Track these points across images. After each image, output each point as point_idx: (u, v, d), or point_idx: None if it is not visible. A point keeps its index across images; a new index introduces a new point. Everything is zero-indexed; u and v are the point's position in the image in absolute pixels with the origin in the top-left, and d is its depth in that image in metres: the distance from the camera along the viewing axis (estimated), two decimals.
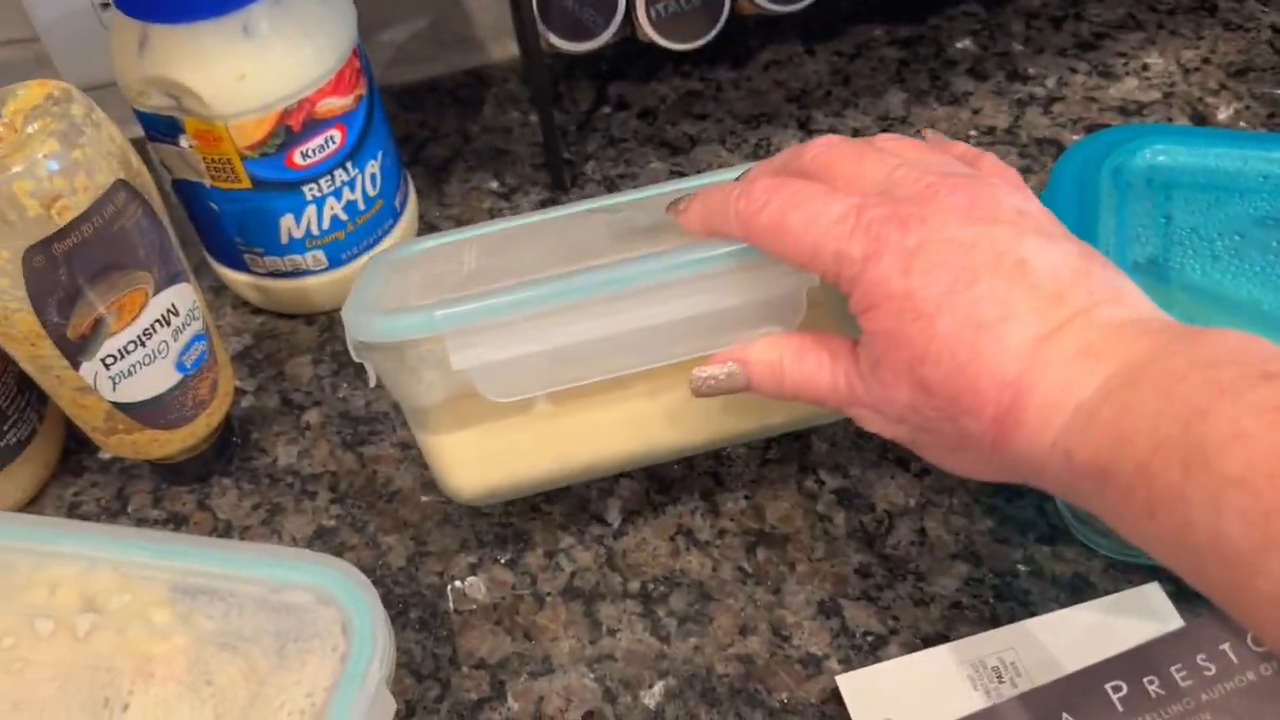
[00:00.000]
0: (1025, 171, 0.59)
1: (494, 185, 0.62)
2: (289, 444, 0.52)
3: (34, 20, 0.61)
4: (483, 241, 0.46)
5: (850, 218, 0.36)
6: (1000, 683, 0.40)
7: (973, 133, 0.61)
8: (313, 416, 0.53)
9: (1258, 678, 0.37)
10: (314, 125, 0.49)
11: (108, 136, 0.41)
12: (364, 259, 0.55)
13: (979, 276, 0.34)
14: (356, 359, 0.41)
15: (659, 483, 0.49)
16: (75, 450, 0.53)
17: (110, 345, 0.43)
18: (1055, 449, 0.33)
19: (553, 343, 0.39)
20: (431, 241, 0.47)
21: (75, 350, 0.42)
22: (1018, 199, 0.36)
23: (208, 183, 0.51)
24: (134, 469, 0.52)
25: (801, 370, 0.39)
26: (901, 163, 0.37)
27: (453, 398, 0.40)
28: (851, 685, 0.41)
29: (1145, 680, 0.38)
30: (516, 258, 0.44)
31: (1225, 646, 0.38)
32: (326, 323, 0.57)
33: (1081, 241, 0.36)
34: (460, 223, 0.61)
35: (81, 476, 0.52)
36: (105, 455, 0.52)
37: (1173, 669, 0.38)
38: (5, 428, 0.48)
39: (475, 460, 0.43)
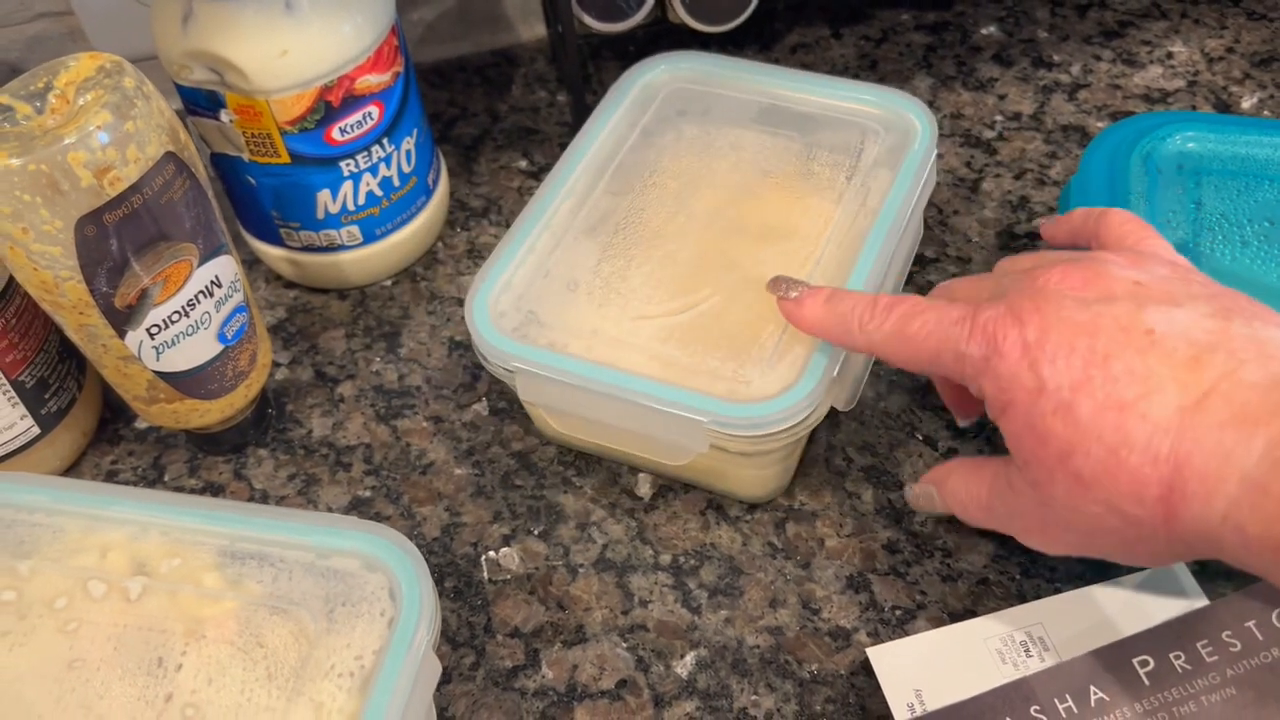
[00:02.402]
0: (1050, 157, 0.60)
1: (523, 164, 0.63)
2: (323, 416, 0.53)
3: None
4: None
5: (967, 321, 0.36)
6: (1028, 656, 0.41)
7: (998, 118, 0.62)
8: (346, 389, 0.54)
9: None
10: (353, 101, 0.50)
11: (158, 109, 0.42)
12: (397, 235, 0.56)
13: (1111, 354, 0.33)
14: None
15: None
16: (111, 420, 0.54)
17: (155, 315, 0.44)
18: (1227, 523, 0.32)
19: None
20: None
21: (122, 319, 0.43)
22: (1132, 271, 0.36)
23: (246, 157, 0.51)
24: (170, 438, 0.52)
25: (968, 492, 0.40)
26: (1011, 269, 0.38)
27: None
28: (882, 657, 0.41)
29: (1172, 655, 0.38)
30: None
31: (1251, 624, 0.39)
32: (359, 297, 0.57)
33: (1215, 294, 0.35)
34: (490, 201, 0.61)
35: (118, 445, 0.53)
36: (141, 424, 0.53)
37: (1199, 644, 0.39)
38: (47, 396, 0.49)
39: (794, 463, 0.48)
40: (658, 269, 0.47)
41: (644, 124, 0.52)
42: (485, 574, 0.47)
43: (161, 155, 0.41)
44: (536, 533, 0.48)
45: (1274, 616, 0.39)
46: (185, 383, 0.46)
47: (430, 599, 0.36)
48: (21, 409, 0.48)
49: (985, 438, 0.49)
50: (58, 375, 0.49)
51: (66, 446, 0.51)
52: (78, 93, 0.40)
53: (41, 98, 0.40)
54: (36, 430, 0.49)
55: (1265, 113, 0.60)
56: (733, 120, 0.52)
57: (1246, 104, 0.61)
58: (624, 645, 0.44)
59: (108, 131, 0.39)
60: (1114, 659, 0.39)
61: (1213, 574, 0.43)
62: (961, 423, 0.48)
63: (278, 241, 0.55)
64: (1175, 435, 0.32)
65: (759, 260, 0.46)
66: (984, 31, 0.67)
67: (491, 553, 0.47)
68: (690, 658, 0.43)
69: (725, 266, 0.47)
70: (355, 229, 0.54)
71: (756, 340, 0.44)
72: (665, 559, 0.46)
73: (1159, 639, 0.39)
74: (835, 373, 0.42)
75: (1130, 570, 0.43)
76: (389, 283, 0.58)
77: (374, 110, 0.51)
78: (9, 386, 0.47)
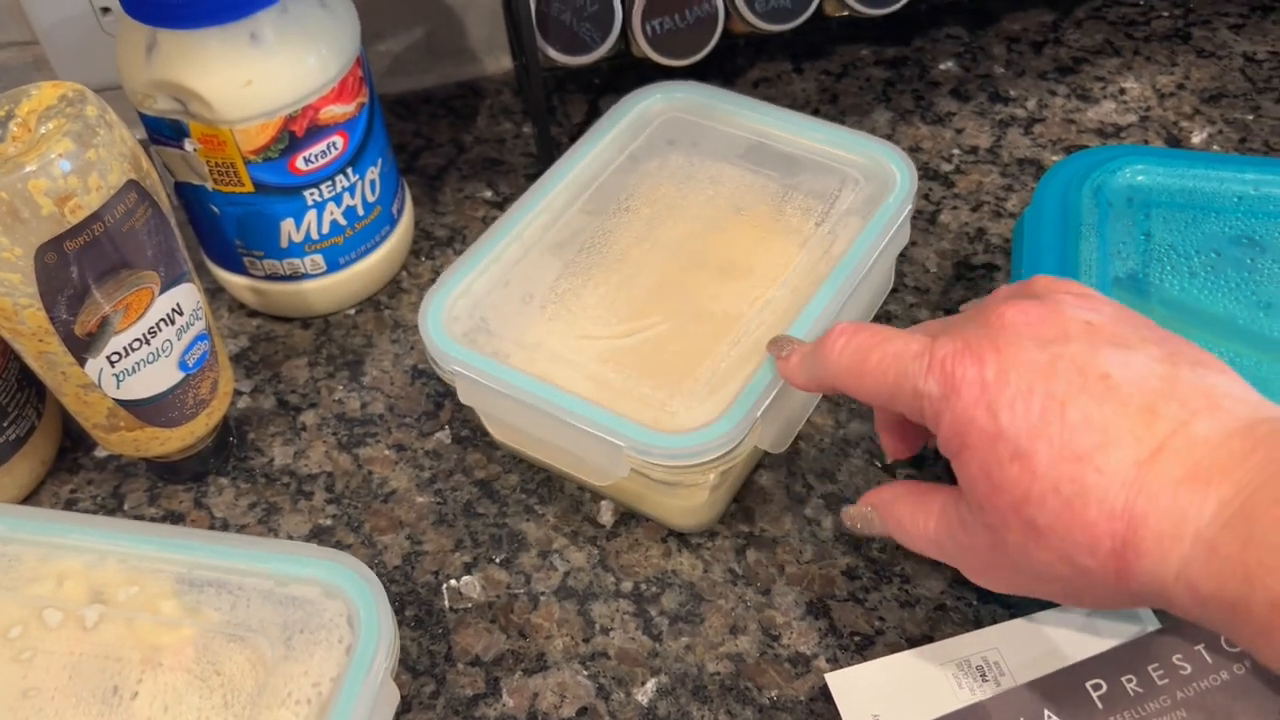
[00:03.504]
0: (1007, 190, 0.61)
1: (488, 194, 0.63)
2: (285, 444, 0.53)
3: (34, 23, 0.62)
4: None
5: (924, 355, 0.36)
6: (984, 681, 0.41)
7: (956, 151, 0.63)
8: (308, 418, 0.54)
9: (1231, 676, 0.38)
10: (317, 131, 0.50)
11: (120, 138, 0.42)
12: (361, 264, 0.56)
13: (1067, 400, 0.33)
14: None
15: None
16: (70, 448, 0.53)
17: (116, 343, 0.44)
18: (1179, 581, 0.32)
19: None
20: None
21: (82, 347, 0.43)
22: (1084, 310, 0.36)
23: (210, 186, 0.51)
24: (130, 467, 0.52)
25: (914, 521, 0.40)
26: (972, 303, 0.38)
27: None
28: (840, 683, 0.42)
29: (1124, 679, 0.39)
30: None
31: (1200, 647, 0.39)
32: (322, 325, 0.57)
33: (1162, 338, 0.35)
34: (454, 231, 0.62)
35: (77, 474, 0.52)
36: (101, 453, 0.53)
37: (1150, 668, 0.39)
38: (5, 424, 0.48)
39: (724, 495, 0.48)
40: (613, 291, 0.48)
41: (633, 149, 0.53)
42: (446, 602, 0.47)
43: (123, 184, 0.41)
44: (498, 561, 0.48)
45: (1222, 640, 0.39)
46: (146, 411, 0.46)
47: (389, 626, 0.36)
48: None
49: (944, 465, 0.49)
50: (16, 403, 0.49)
51: (25, 475, 0.50)
52: (39, 121, 0.41)
53: (3, 126, 0.41)
54: None
55: (1215, 147, 0.62)
56: (718, 154, 0.53)
57: (1197, 139, 0.62)
58: (585, 673, 0.44)
59: (69, 159, 0.39)
60: (1068, 683, 0.39)
61: None
62: (890, 459, 0.46)
63: (241, 270, 0.55)
64: (1131, 490, 0.32)
65: (713, 295, 0.47)
66: (942, 67, 0.68)
67: (453, 581, 0.47)
68: (651, 685, 0.44)
69: (678, 297, 0.47)
70: (319, 258, 0.54)
71: (692, 373, 0.44)
72: (627, 586, 0.47)
73: (1111, 663, 0.40)
74: (759, 414, 0.43)
75: None
76: (352, 311, 0.58)
77: (338, 140, 0.51)
78: None
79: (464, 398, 0.47)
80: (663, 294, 0.47)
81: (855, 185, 0.50)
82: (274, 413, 0.54)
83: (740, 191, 0.51)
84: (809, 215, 0.50)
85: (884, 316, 0.55)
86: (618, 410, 0.43)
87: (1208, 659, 0.39)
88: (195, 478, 0.51)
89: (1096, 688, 0.39)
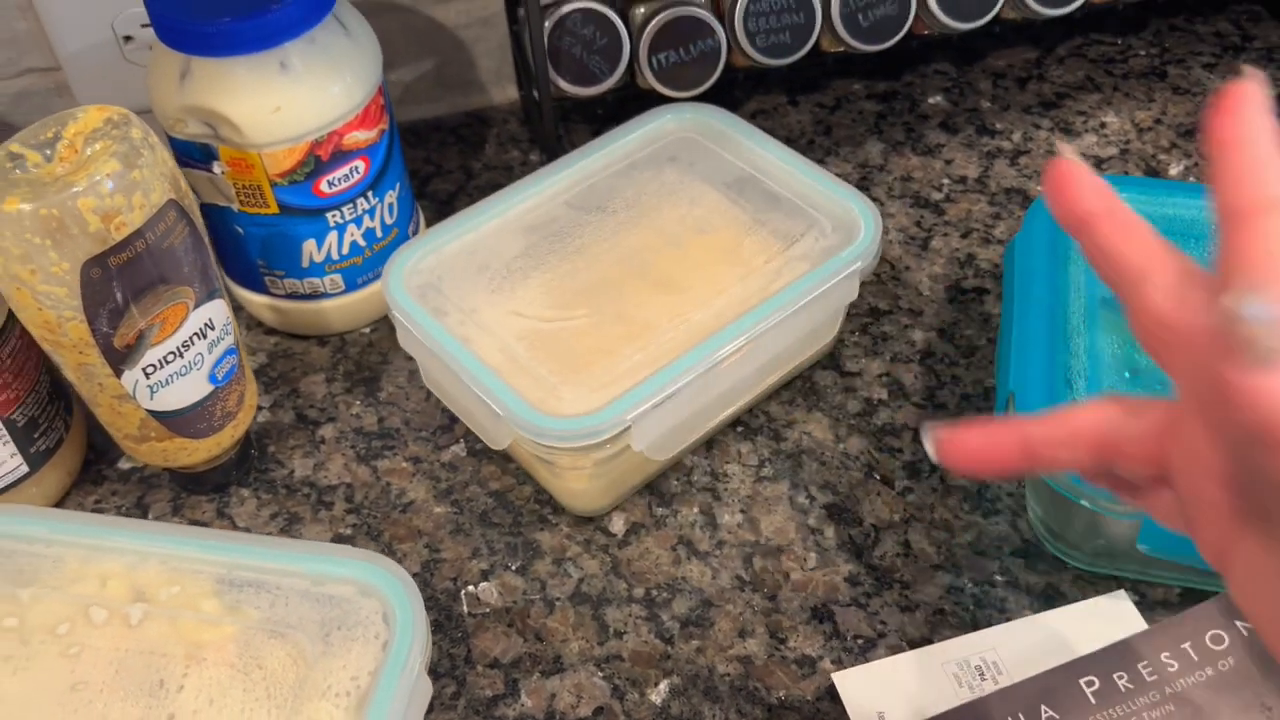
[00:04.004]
0: (995, 218, 0.63)
1: None
2: (304, 457, 0.54)
3: (58, 50, 0.64)
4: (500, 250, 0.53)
5: None
6: (983, 680, 0.43)
7: (945, 181, 0.66)
8: (327, 431, 0.55)
9: (1216, 672, 0.41)
10: (341, 156, 0.52)
11: (161, 159, 0.44)
12: (378, 284, 0.58)
13: None
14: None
15: (660, 497, 0.52)
16: (94, 460, 0.55)
17: (151, 355, 0.45)
18: None
19: (696, 404, 0.48)
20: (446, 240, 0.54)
21: (119, 359, 0.45)
22: None
23: (235, 207, 0.53)
24: (153, 478, 0.54)
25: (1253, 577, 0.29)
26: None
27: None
28: (847, 681, 0.44)
29: (1115, 676, 0.41)
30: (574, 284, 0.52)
31: (1187, 645, 0.42)
32: (339, 343, 0.59)
33: None
34: None
35: (101, 485, 0.54)
36: (125, 465, 0.54)
37: (1140, 665, 0.41)
38: (36, 435, 0.50)
39: (606, 487, 0.50)
40: (556, 279, 0.51)
41: (635, 158, 0.57)
42: (465, 607, 0.48)
43: (164, 202, 0.44)
44: (514, 568, 0.50)
45: (1206, 638, 0.42)
46: (176, 422, 0.48)
47: (423, 622, 0.38)
48: (12, 447, 0.49)
49: (939, 476, 0.52)
50: (47, 415, 0.51)
51: (52, 485, 0.52)
52: (86, 142, 0.43)
53: (51, 146, 0.43)
54: (25, 469, 0.50)
55: (1190, 179, 0.65)
56: (708, 178, 0.55)
57: (1174, 170, 0.66)
58: (600, 674, 0.46)
59: (116, 179, 0.41)
60: (1062, 680, 0.42)
61: (1151, 603, 0.46)
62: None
63: (261, 289, 0.57)
64: None
65: (640, 303, 0.50)
66: (931, 101, 0.71)
67: (471, 587, 0.49)
68: (664, 686, 0.46)
69: (610, 297, 0.51)
70: (338, 277, 0.56)
71: (593, 368, 0.48)
72: (639, 592, 0.49)
73: (1103, 661, 0.42)
74: (629, 417, 0.45)
75: (1074, 599, 0.46)
76: (368, 330, 0.60)
77: (360, 164, 0.54)
78: (1, 425, 0.48)
79: (401, 343, 0.51)
80: (598, 292, 0.51)
81: (820, 233, 0.52)
82: (293, 427, 0.56)
83: (712, 216, 0.54)
84: (763, 251, 0.52)
85: (880, 337, 0.58)
86: (512, 384, 0.46)
87: (1194, 657, 0.41)
88: (217, 489, 0.53)
89: (1090, 684, 0.41)
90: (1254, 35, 0.75)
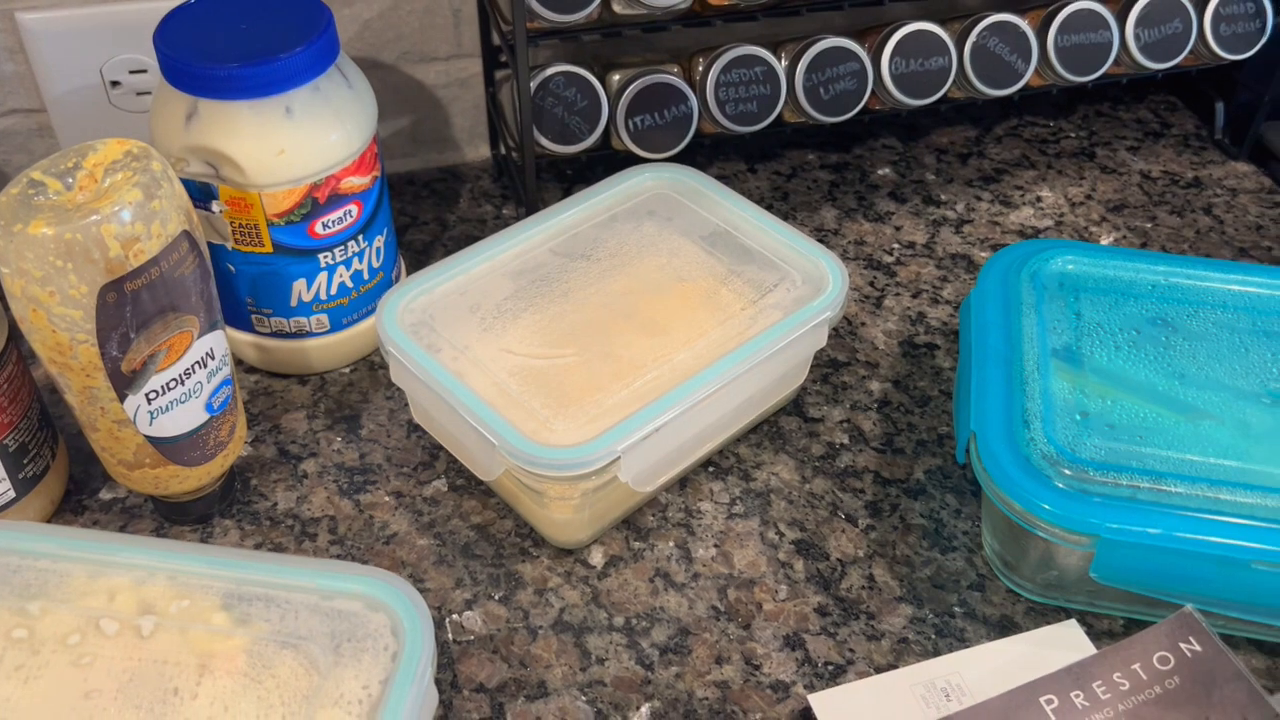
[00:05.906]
0: (942, 280, 0.68)
1: None
2: (287, 490, 0.56)
3: (44, 93, 0.65)
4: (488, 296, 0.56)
5: None
6: (949, 700, 0.46)
7: (896, 245, 0.70)
8: (309, 466, 0.57)
9: (1164, 690, 0.44)
10: (337, 199, 0.55)
11: (178, 192, 0.46)
12: (361, 324, 0.60)
13: None
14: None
15: (637, 531, 0.54)
16: (74, 491, 0.55)
17: (155, 381, 0.47)
18: None
19: (679, 438, 0.51)
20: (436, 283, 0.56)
21: (125, 383, 0.46)
22: None
23: (230, 245, 0.55)
24: (135, 508, 0.54)
25: None
26: None
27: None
28: (822, 703, 0.46)
29: (1073, 694, 0.44)
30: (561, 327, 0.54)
31: (1136, 666, 0.45)
32: (319, 382, 0.61)
33: None
34: None
35: (82, 514, 0.54)
36: (106, 495, 0.55)
37: (1095, 685, 0.45)
38: (25, 461, 0.51)
39: (589, 519, 0.52)
40: (546, 320, 0.54)
41: (617, 211, 0.60)
42: (450, 635, 0.50)
43: (179, 233, 0.45)
44: (497, 598, 0.51)
45: (1154, 659, 0.45)
46: (171, 448, 0.49)
47: (430, 634, 0.40)
48: (1, 471, 0.50)
49: (899, 515, 0.55)
50: (36, 442, 0.51)
51: (36, 513, 0.52)
52: (106, 173, 0.44)
53: (71, 175, 0.44)
54: (13, 494, 0.50)
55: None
56: (685, 231, 0.59)
57: (1105, 241, 0.71)
58: (584, 699, 0.48)
59: (137, 208, 0.43)
60: (1024, 699, 0.44)
61: (1098, 632, 0.50)
62: None
63: (247, 327, 0.59)
64: None
65: (627, 343, 0.53)
66: (880, 172, 0.76)
67: (455, 616, 0.51)
68: (645, 709, 0.47)
69: (597, 337, 0.53)
70: (324, 317, 0.58)
71: (583, 402, 0.50)
72: (619, 621, 0.50)
73: (1060, 681, 0.45)
74: (619, 449, 0.48)
75: (1027, 629, 0.49)
76: (347, 370, 0.62)
77: (354, 209, 0.56)
78: None
79: (394, 377, 0.54)
80: (586, 332, 0.54)
81: (791, 285, 0.56)
82: (275, 461, 0.57)
83: (690, 265, 0.57)
84: (740, 299, 0.55)
85: (840, 387, 0.61)
86: (506, 416, 0.49)
87: (1143, 676, 0.45)
88: (201, 519, 0.54)
89: (1049, 702, 0.44)
90: (1171, 123, 0.81)
